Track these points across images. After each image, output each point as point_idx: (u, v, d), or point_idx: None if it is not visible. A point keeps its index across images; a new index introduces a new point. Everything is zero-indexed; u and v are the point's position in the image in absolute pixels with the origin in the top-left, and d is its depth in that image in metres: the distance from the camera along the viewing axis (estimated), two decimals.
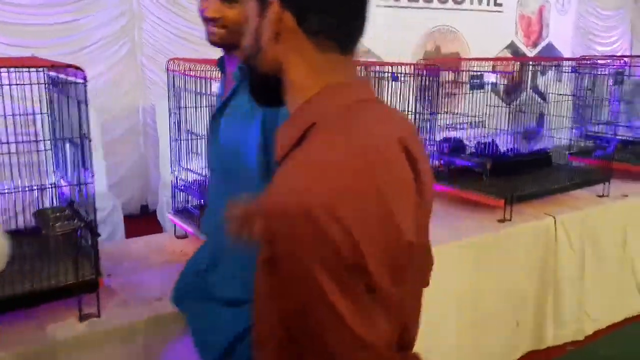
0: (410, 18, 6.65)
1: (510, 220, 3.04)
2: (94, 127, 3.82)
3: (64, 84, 2.03)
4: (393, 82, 2.88)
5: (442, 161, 3.39)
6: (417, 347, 1.13)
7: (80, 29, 4.81)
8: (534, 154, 3.68)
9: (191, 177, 2.63)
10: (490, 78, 3.76)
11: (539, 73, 7.68)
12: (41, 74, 2.13)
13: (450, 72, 3.88)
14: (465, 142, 3.50)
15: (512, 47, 7.67)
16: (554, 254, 3.17)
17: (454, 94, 4.04)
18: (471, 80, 3.81)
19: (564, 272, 3.21)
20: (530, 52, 7.88)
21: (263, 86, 1.11)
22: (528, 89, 8.07)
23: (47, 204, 2.34)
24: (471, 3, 7.13)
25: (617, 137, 4.26)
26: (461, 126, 7.01)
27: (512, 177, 3.20)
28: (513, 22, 7.65)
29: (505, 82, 4.24)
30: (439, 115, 3.40)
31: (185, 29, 5.29)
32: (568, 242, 3.21)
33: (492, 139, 3.46)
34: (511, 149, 3.68)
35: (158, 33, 5.20)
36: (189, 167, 2.62)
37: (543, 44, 8.01)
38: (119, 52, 5.02)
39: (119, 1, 4.94)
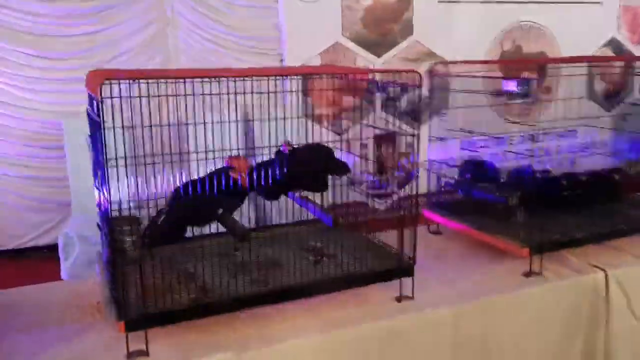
0: (483, 14, 5.85)
1: (540, 274, 2.32)
2: None
3: None
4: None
5: (460, 191, 2.71)
6: None
7: (109, 38, 4.62)
8: (594, 182, 2.87)
9: None
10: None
11: None
12: None
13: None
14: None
15: (613, 44, 6.57)
16: (604, 320, 2.39)
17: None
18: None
19: (619, 343, 2.42)
20: (637, 50, 6.71)
21: None
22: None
23: None
24: None
25: None
26: (539, 138, 5.99)
27: (555, 214, 2.47)
28: (614, 15, 6.55)
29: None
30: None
31: (223, 35, 4.97)
32: (626, 304, 2.42)
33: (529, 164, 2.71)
34: (566, 174, 2.89)
35: (193, 41, 4.91)
36: None
37: None
38: (152, 62, 4.78)
39: (148, 9, 4.70)
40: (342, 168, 2.40)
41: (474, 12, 5.79)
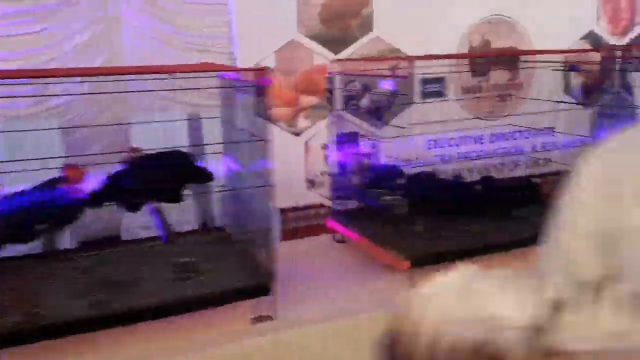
0: (449, 8, 5.64)
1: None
2: None
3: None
4: None
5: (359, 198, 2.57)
6: None
7: (50, 38, 4.52)
8: (512, 187, 2.69)
9: None
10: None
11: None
12: None
13: None
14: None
15: (591, 37, 6.30)
16: None
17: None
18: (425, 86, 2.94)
19: None
20: (619, 43, 6.44)
21: None
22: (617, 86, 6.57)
23: None
24: None
25: None
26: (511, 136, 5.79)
27: (450, 223, 2.30)
28: (594, 6, 6.29)
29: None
30: None
31: (172, 34, 4.85)
32: None
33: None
34: (485, 178, 2.73)
35: (140, 40, 4.79)
36: None
37: (636, 32, 6.52)
38: (95, 62, 4.67)
39: (91, 7, 4.59)
40: (202, 176, 2.27)
41: (439, 6, 5.58)
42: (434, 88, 5.63)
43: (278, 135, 5.06)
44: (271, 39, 5.10)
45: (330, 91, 5.22)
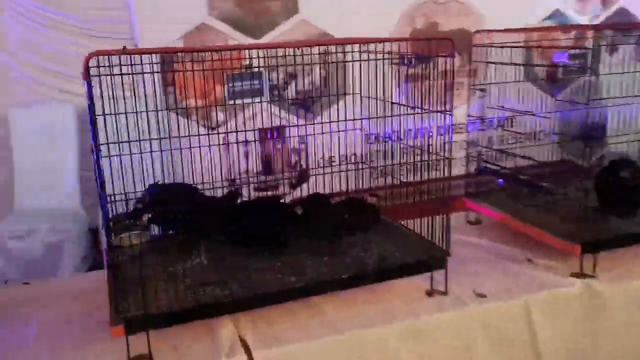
0: None
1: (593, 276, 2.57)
2: None
3: None
4: None
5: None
6: None
7: None
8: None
9: None
10: None
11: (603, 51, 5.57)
12: None
13: None
14: None
15: (556, 16, 5.63)
16: None
17: None
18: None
19: None
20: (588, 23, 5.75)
21: None
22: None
23: None
24: None
25: None
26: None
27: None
28: None
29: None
30: None
31: (62, 19, 4.35)
32: None
33: None
34: None
35: (23, 27, 4.30)
36: None
37: (609, 11, 5.82)
38: None
39: None
40: None
41: None
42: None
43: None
44: (177, 23, 4.55)
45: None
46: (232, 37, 4.70)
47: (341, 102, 5.00)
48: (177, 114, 4.44)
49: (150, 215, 2.84)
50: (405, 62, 3.23)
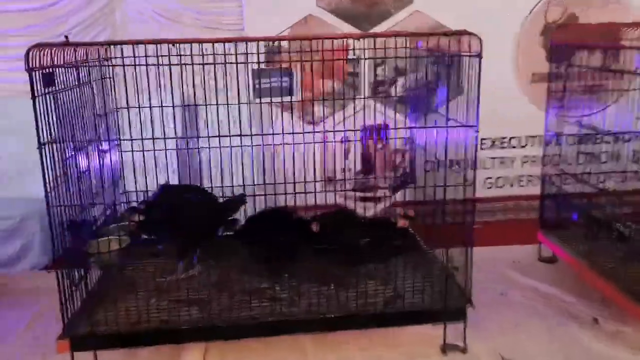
0: None
1: None
2: None
3: None
4: None
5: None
6: None
7: (55, 13, 4.52)
8: None
9: None
10: None
11: None
12: None
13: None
14: None
15: None
16: None
17: None
18: None
19: None
20: None
21: None
22: None
23: None
24: None
25: None
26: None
27: None
28: None
29: None
30: None
31: (178, 9, 4.55)
32: None
33: None
34: None
35: (145, 16, 4.57)
36: None
37: None
38: (98, 38, 4.56)
39: None
40: None
41: None
42: None
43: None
44: (285, 14, 4.51)
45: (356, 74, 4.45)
46: (339, 29, 4.54)
47: (454, 102, 4.59)
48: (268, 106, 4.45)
49: (139, 220, 2.71)
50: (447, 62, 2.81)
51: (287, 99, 4.24)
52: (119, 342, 2.33)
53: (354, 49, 4.34)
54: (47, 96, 2.24)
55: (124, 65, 2.70)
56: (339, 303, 2.49)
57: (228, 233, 2.86)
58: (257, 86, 4.24)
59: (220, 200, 3.04)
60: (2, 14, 4.48)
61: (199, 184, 3.07)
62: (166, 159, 3.27)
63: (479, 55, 1.97)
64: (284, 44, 4.62)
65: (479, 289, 3.16)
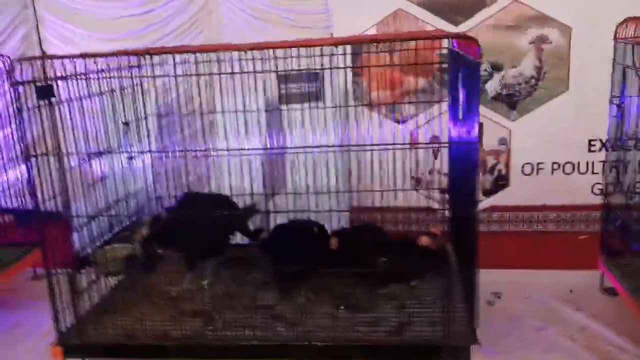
0: None
1: None
2: None
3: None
4: None
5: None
6: None
7: (154, 19, 4.77)
8: None
9: None
10: None
11: None
12: None
13: None
14: None
15: None
16: None
17: None
18: None
19: None
20: None
21: None
22: None
23: None
24: None
25: None
26: None
27: None
28: None
29: None
30: None
31: (268, 9, 4.59)
32: None
33: None
34: None
35: (237, 17, 4.67)
36: None
37: None
38: (196, 40, 4.75)
39: None
40: None
41: None
42: None
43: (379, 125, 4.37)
44: (373, 9, 4.37)
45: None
46: (430, 23, 4.30)
47: (557, 100, 4.20)
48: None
49: (148, 232, 2.73)
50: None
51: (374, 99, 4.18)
52: (111, 353, 2.42)
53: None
54: (44, 108, 2.31)
55: (131, 77, 2.75)
56: (344, 327, 2.41)
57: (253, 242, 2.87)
58: (281, 91, 4.18)
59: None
60: (105, 20, 4.81)
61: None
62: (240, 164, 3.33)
63: (477, 62, 1.70)
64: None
65: (517, 322, 2.87)
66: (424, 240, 2.72)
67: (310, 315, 2.55)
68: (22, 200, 3.00)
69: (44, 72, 2.43)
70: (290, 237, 2.82)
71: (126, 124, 2.86)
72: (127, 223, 2.99)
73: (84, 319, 2.58)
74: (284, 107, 4.03)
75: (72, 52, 3.61)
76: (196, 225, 2.71)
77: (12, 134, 3.57)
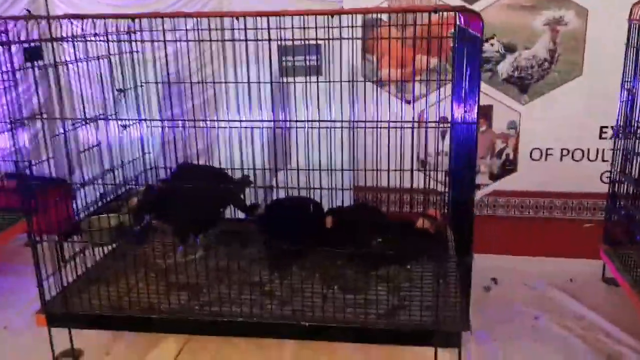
0: None
1: None
2: None
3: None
4: None
5: None
6: None
7: None
8: None
9: None
10: None
11: None
12: None
13: None
14: None
15: None
16: None
17: None
18: None
19: None
20: None
21: None
22: None
23: None
24: None
25: None
26: None
27: None
28: None
29: None
30: None
31: None
32: None
33: None
34: None
35: None
36: None
37: None
38: (205, 8, 4.65)
39: None
40: None
41: None
42: None
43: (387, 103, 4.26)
44: None
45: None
46: (443, 0, 4.17)
47: (570, 85, 4.06)
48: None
49: (138, 201, 2.66)
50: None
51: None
52: (96, 324, 2.40)
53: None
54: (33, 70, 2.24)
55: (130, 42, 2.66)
56: (334, 308, 2.32)
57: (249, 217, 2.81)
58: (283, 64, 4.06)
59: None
60: None
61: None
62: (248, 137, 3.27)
63: (479, 38, 1.61)
64: (384, 17, 4.38)
65: (513, 309, 2.81)
66: (422, 223, 2.64)
67: (301, 294, 2.49)
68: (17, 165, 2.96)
69: (44, 34, 2.37)
70: (285, 213, 2.74)
71: (121, 90, 2.78)
72: (120, 192, 2.94)
73: (70, 289, 2.54)
74: (288, 79, 3.94)
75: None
76: (189, 197, 2.63)
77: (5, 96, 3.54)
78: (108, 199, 2.87)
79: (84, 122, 2.40)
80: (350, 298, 2.45)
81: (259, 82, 3.71)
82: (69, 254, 2.57)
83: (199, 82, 3.57)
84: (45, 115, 2.46)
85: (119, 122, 2.69)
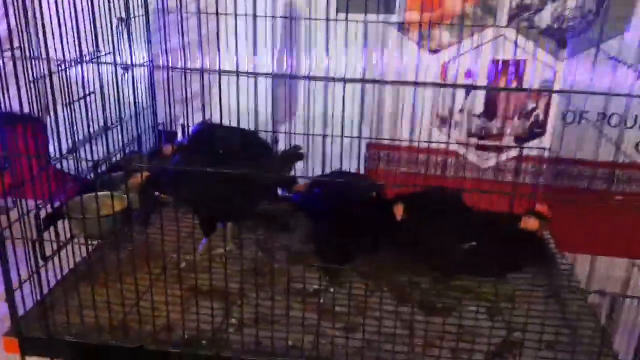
0: None
1: None
2: None
3: None
4: None
5: None
6: None
7: None
8: None
9: None
10: None
11: None
12: None
13: None
14: None
15: None
16: None
17: None
18: None
19: None
20: None
21: None
22: None
23: None
24: None
25: None
26: None
27: None
28: None
29: None
30: None
31: None
32: None
33: None
34: None
35: None
36: None
37: None
38: None
39: None
40: None
41: None
42: None
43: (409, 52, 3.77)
44: None
45: None
46: None
47: (614, 42, 3.66)
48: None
49: (146, 177, 1.93)
50: None
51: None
52: (89, 355, 1.68)
53: None
54: None
55: None
56: (425, 339, 1.67)
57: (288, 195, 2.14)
58: None
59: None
60: None
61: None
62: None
63: None
64: None
65: None
66: (531, 222, 1.99)
67: (366, 311, 1.78)
68: None
69: None
70: (339, 202, 2.02)
71: (122, 19, 2.07)
72: (118, 158, 2.23)
73: (53, 299, 1.80)
74: (304, 16, 3.37)
75: None
76: (216, 179, 1.85)
77: None
78: (101, 169, 2.14)
79: (82, 61, 1.80)
80: (435, 323, 1.80)
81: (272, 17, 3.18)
82: (51, 248, 1.85)
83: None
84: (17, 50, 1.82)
85: (119, 64, 2.01)
